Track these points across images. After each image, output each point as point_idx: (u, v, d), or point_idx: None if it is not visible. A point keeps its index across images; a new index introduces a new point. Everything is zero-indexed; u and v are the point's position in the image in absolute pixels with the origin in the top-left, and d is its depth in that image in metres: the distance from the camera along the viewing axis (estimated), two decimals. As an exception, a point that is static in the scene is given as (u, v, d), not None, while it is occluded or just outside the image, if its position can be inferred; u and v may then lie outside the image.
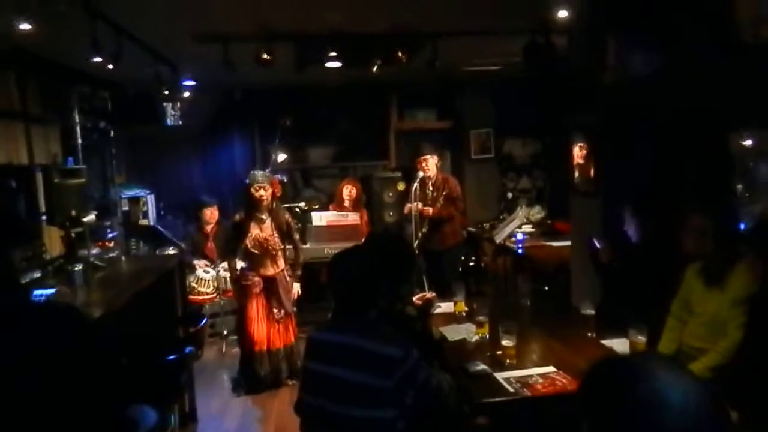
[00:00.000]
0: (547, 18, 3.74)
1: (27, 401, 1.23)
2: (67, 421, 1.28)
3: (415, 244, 5.09)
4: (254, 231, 4.32)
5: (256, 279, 4.37)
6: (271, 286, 4.41)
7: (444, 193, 5.29)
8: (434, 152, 5.38)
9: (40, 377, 1.24)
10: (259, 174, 4.38)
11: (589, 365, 0.87)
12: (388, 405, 1.99)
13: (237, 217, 4.45)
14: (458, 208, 5.43)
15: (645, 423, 0.74)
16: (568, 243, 4.88)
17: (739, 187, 3.54)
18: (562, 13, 3.57)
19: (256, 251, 4.31)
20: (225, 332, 5.36)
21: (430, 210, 5.23)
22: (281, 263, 4.45)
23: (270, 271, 4.39)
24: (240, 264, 4.65)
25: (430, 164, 5.28)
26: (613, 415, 0.77)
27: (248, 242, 4.31)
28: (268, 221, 4.36)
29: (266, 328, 4.36)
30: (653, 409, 0.73)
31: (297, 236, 4.60)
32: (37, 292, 2.51)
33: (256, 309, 4.36)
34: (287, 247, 4.55)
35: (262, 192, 4.28)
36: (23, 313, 1.27)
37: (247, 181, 4.36)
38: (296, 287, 4.54)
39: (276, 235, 4.36)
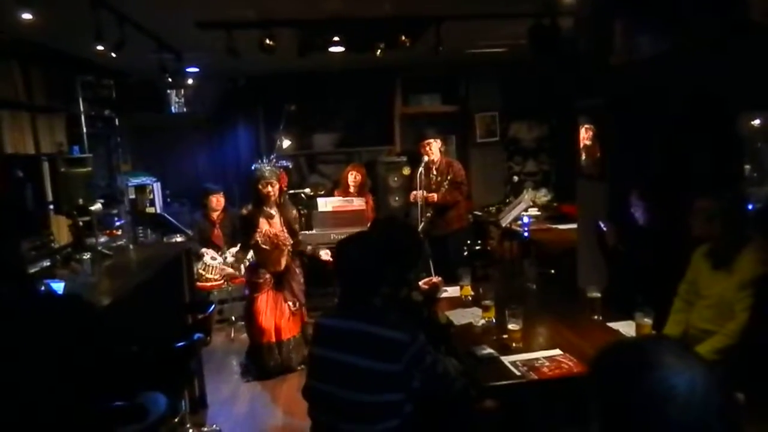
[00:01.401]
0: (552, 0, 3.69)
1: (33, 390, 1.24)
2: (73, 410, 1.29)
3: (420, 229, 5.10)
4: (263, 227, 4.29)
5: (267, 276, 4.38)
6: (281, 280, 4.42)
7: (449, 177, 5.29)
8: (438, 136, 5.37)
9: (47, 366, 1.25)
10: (266, 169, 4.33)
11: (600, 349, 0.87)
12: (395, 389, 2.01)
13: (244, 210, 4.43)
14: (463, 193, 5.42)
15: (652, 413, 0.74)
16: (574, 226, 4.87)
17: (748, 167, 3.52)
18: (568, -5, 3.53)
19: (266, 247, 4.29)
20: (233, 318, 5.41)
21: (435, 196, 5.23)
22: (285, 260, 4.44)
23: (279, 265, 4.39)
24: (249, 254, 4.65)
25: (434, 148, 5.28)
26: (621, 403, 0.77)
27: (259, 238, 4.27)
28: (277, 216, 4.34)
29: (275, 320, 4.37)
30: (661, 399, 0.73)
31: (298, 229, 4.59)
32: (53, 285, 2.53)
33: (265, 301, 4.36)
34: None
35: (269, 188, 4.26)
36: (30, 302, 1.28)
37: (254, 170, 4.32)
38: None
39: (285, 230, 4.35)
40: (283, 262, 4.40)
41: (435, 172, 5.35)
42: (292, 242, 4.40)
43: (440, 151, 5.37)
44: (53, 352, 1.25)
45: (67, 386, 1.27)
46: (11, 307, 1.23)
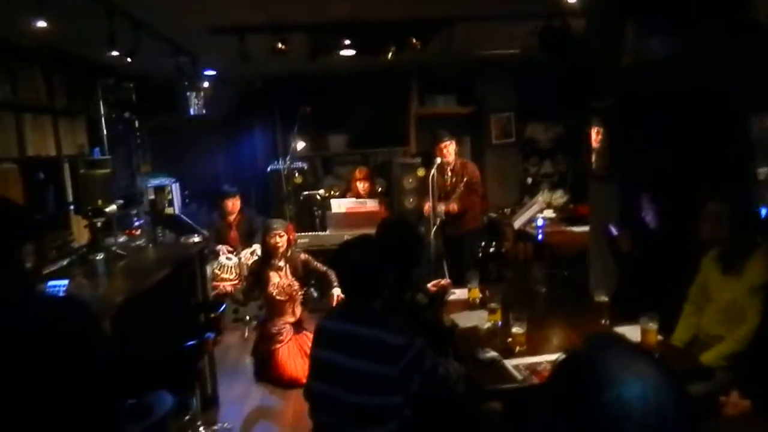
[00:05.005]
0: (562, 1, 3.67)
1: (30, 397, 1.26)
2: (73, 415, 1.31)
3: (433, 230, 5.10)
4: (274, 279, 4.36)
5: (287, 325, 4.36)
6: (299, 325, 4.43)
7: (464, 179, 5.26)
8: (453, 138, 5.35)
9: (43, 373, 1.27)
10: (274, 222, 4.46)
11: (553, 366, 0.88)
12: (393, 392, 2.03)
13: (252, 264, 4.58)
14: (479, 194, 5.40)
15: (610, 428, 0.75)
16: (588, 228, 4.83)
17: (764, 170, 3.45)
18: (577, -3, 3.50)
19: (282, 298, 4.34)
20: (248, 318, 5.47)
21: (455, 206, 5.18)
22: (299, 309, 4.49)
23: (292, 318, 4.42)
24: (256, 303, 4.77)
25: (450, 150, 5.25)
26: (579, 426, 0.77)
27: (273, 290, 4.32)
28: (286, 267, 4.41)
29: (304, 364, 4.11)
30: (618, 419, 0.74)
31: (321, 266, 4.51)
32: (52, 283, 2.60)
33: (287, 351, 4.26)
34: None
35: (277, 239, 4.32)
36: (27, 308, 1.31)
37: (263, 223, 4.47)
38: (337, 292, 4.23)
39: (294, 280, 4.42)
40: (297, 312, 4.45)
41: (449, 174, 5.33)
42: (302, 292, 4.47)
43: (455, 152, 5.35)
44: (46, 359, 1.27)
45: (61, 392, 1.28)
46: (7, 311, 1.26)
